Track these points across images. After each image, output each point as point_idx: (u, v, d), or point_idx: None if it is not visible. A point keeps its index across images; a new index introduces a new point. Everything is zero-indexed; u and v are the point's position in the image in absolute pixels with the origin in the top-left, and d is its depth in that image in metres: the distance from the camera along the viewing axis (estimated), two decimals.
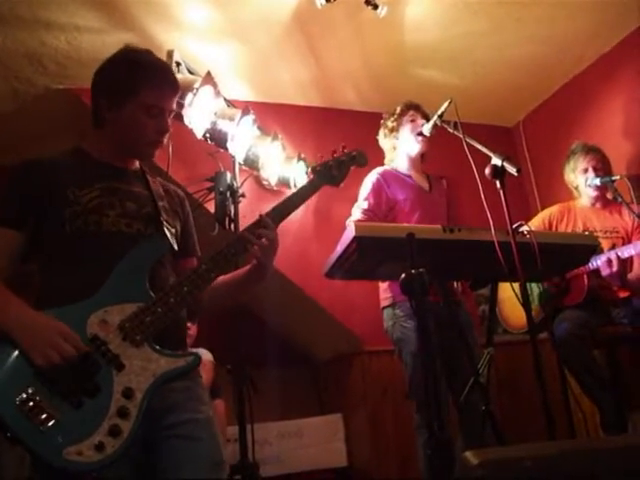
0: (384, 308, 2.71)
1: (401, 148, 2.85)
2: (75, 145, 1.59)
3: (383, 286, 2.75)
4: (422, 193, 2.78)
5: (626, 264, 2.85)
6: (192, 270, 1.46)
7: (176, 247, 1.56)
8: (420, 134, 2.71)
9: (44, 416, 1.19)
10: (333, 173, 1.73)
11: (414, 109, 2.80)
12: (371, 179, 2.77)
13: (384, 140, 2.90)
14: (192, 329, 3.37)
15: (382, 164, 2.91)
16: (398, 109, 2.85)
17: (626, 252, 2.72)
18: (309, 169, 1.71)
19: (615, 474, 0.92)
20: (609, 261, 2.69)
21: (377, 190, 2.72)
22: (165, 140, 1.59)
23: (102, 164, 1.55)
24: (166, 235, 1.51)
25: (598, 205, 3.11)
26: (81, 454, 1.18)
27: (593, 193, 3.07)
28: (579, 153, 3.11)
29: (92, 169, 1.53)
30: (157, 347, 1.36)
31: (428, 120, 2.68)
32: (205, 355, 3.45)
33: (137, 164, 1.65)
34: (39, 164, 1.50)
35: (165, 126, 1.56)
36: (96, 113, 1.56)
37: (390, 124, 2.86)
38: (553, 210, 3.22)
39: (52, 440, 1.18)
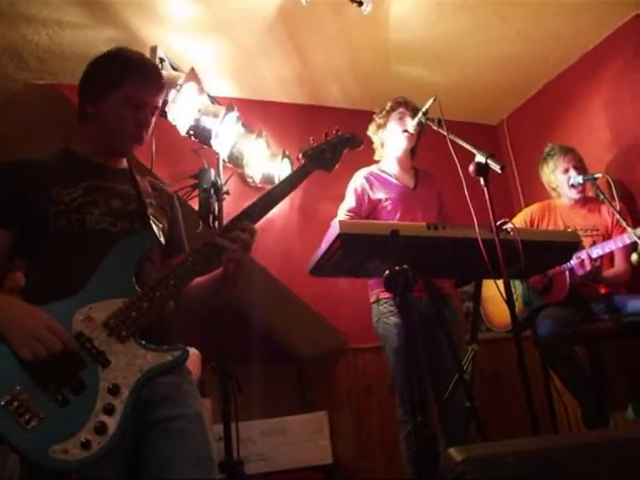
0: (371, 304, 2.75)
1: (388, 146, 2.86)
2: (63, 146, 1.59)
3: (369, 283, 2.79)
4: (405, 192, 2.78)
5: (600, 262, 2.90)
6: (178, 264, 1.44)
7: (163, 241, 1.55)
8: (405, 131, 2.73)
9: (29, 415, 1.18)
10: (326, 157, 1.68)
11: (404, 106, 2.80)
12: (354, 182, 2.83)
13: (374, 136, 2.91)
14: None
15: (367, 161, 2.92)
16: (388, 105, 2.85)
17: (594, 252, 2.77)
18: (300, 154, 1.66)
19: (597, 468, 0.92)
20: (581, 261, 2.74)
21: (359, 192, 2.78)
22: (146, 136, 1.58)
23: (89, 162, 1.55)
24: (153, 230, 1.50)
25: (578, 203, 3.15)
26: (67, 452, 1.18)
27: (575, 194, 3.10)
28: (558, 154, 3.15)
29: (78, 168, 1.52)
30: (143, 342, 1.34)
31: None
32: (191, 350, 3.42)
33: (125, 163, 1.64)
34: (24, 164, 1.50)
35: (145, 119, 1.55)
36: (79, 108, 1.56)
37: (379, 120, 2.87)
38: (534, 209, 3.25)
39: (38, 439, 1.18)
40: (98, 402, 1.24)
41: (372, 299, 2.74)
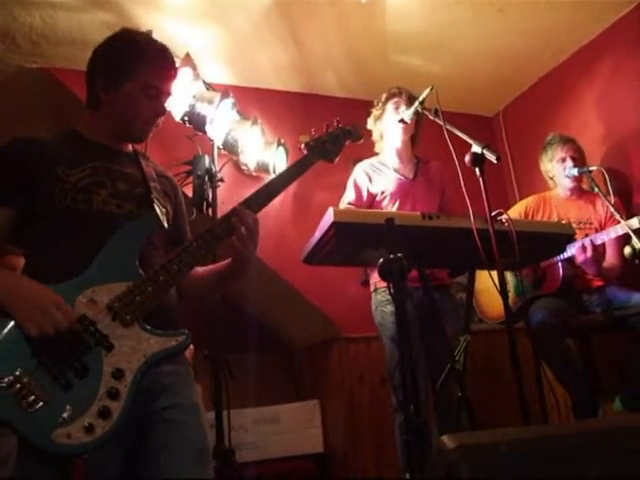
0: (371, 293, 2.77)
1: (387, 137, 2.86)
2: (68, 127, 1.57)
3: (369, 273, 2.83)
4: (403, 184, 2.78)
5: (600, 252, 2.91)
6: (182, 248, 1.43)
7: (166, 226, 1.53)
8: (401, 121, 2.71)
9: (32, 398, 1.17)
10: (327, 148, 1.69)
11: (398, 96, 2.79)
12: (354, 175, 2.85)
13: (373, 128, 2.90)
14: None
15: (363, 150, 2.92)
16: (383, 96, 2.84)
17: (599, 239, 2.78)
18: (302, 144, 1.66)
19: (587, 456, 0.93)
20: (583, 247, 2.74)
21: (358, 186, 2.80)
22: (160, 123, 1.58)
23: (95, 144, 1.53)
24: (157, 213, 1.49)
25: (573, 196, 3.16)
26: (70, 436, 1.17)
27: (570, 184, 3.11)
28: (557, 143, 3.15)
29: (85, 149, 1.50)
30: (147, 327, 1.33)
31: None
32: None
33: (130, 147, 1.63)
34: (30, 141, 1.47)
35: (162, 108, 1.55)
36: (91, 94, 1.54)
37: (376, 112, 2.87)
38: (529, 201, 3.26)
39: (40, 423, 1.16)
40: (102, 386, 1.23)
41: (372, 288, 2.76)
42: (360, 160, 2.93)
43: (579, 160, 3.10)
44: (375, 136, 2.91)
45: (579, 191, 3.17)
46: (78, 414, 1.19)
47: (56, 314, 1.23)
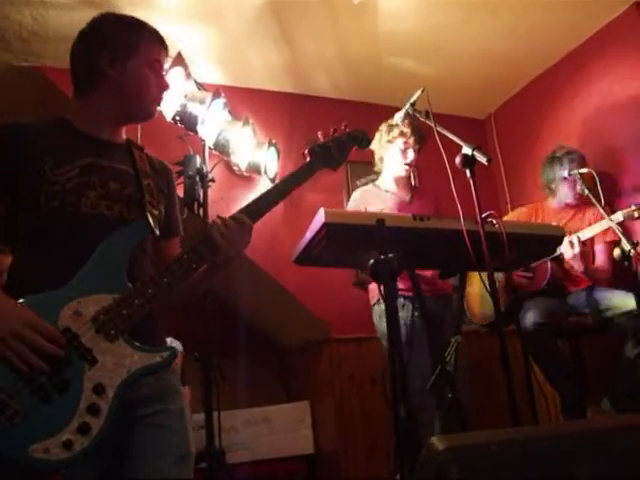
0: (373, 306, 2.79)
1: (388, 164, 2.89)
2: (59, 116, 1.49)
3: (371, 286, 2.85)
4: (401, 203, 2.83)
5: (588, 250, 2.93)
6: (174, 260, 1.38)
7: (158, 232, 1.47)
8: (407, 165, 2.78)
9: (10, 412, 1.14)
10: (333, 155, 1.63)
11: (411, 136, 2.79)
12: (352, 201, 2.92)
13: (376, 147, 2.91)
14: None
15: (358, 153, 2.92)
16: (396, 129, 2.82)
17: (587, 234, 2.81)
18: (306, 149, 1.59)
19: (577, 457, 0.93)
20: (570, 243, 2.76)
21: (357, 207, 2.83)
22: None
23: (86, 137, 1.45)
24: (148, 220, 1.43)
25: (568, 206, 3.17)
26: (48, 451, 1.14)
27: (571, 201, 3.11)
28: (576, 164, 3.07)
29: (75, 142, 1.43)
30: (132, 341, 1.29)
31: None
32: (174, 345, 3.41)
33: (123, 136, 1.55)
34: (17, 129, 1.39)
35: (166, 82, 1.53)
36: (87, 76, 1.47)
37: (385, 136, 2.86)
38: (522, 211, 3.30)
39: (18, 437, 1.14)
40: (82, 402, 1.20)
41: (374, 300, 2.78)
42: (353, 161, 2.94)
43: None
44: (376, 158, 2.95)
45: (573, 201, 3.16)
46: (57, 429, 1.17)
47: (28, 336, 1.18)
